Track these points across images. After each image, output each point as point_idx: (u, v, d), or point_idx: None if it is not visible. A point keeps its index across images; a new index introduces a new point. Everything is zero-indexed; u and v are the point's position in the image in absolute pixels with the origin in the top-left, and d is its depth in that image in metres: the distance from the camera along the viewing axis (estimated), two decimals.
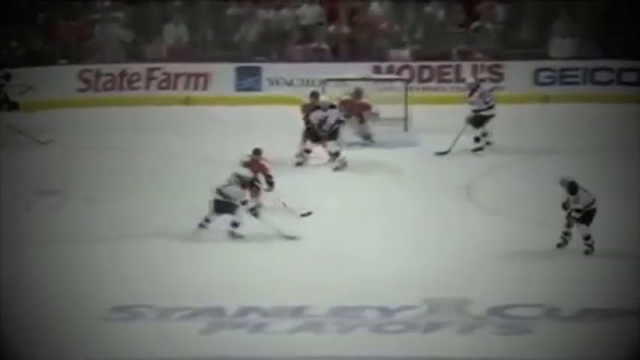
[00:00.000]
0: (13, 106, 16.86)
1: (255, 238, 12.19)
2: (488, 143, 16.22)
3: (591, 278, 10.89)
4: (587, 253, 11.65)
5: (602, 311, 10.01)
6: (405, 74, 19.52)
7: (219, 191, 12.35)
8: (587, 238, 11.64)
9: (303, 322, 9.93)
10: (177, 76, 20.12)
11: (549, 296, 10.30)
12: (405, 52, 20.62)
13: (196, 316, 10.05)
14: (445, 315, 10.03)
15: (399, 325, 9.84)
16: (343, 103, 16.35)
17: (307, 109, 15.80)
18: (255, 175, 12.83)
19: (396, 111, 17.12)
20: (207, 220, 12.40)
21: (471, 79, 17.12)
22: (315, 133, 15.48)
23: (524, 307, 10.11)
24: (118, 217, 13.18)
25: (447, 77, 20.14)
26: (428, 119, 17.08)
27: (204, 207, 12.36)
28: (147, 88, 20.06)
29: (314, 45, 20.71)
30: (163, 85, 20.16)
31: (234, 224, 12.40)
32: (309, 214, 12.94)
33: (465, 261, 11.44)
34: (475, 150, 16.09)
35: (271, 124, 17.80)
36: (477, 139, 16.12)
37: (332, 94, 16.62)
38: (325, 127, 15.40)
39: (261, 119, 18.41)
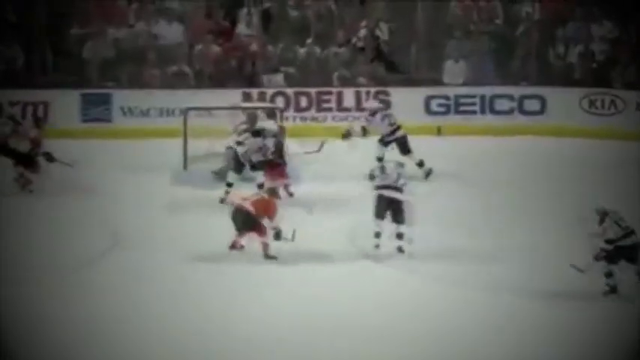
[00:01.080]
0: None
1: None
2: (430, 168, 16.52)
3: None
4: (606, 294, 11.22)
5: None
6: (280, 102, 19.49)
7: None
8: (608, 275, 11.19)
9: None
10: (11, 104, 19.40)
11: None
12: (279, 77, 20.57)
13: None
14: None
15: None
16: None
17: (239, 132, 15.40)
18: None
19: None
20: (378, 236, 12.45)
21: (372, 104, 17.59)
22: (241, 163, 15.07)
23: None
24: None
25: (327, 105, 20.13)
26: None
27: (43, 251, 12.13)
28: None
29: (174, 69, 20.50)
30: None
31: (399, 235, 12.46)
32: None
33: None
34: (427, 175, 16.40)
35: (124, 161, 17.37)
36: (420, 164, 16.42)
37: (195, 125, 16.28)
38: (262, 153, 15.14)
39: (112, 156, 17.88)
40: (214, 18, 21.13)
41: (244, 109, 17.40)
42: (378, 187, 12.63)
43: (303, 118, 19.96)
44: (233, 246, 12.63)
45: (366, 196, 13.15)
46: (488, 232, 13.52)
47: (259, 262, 12.37)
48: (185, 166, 16.38)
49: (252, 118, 15.98)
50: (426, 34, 20.99)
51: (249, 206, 12.51)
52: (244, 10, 21.15)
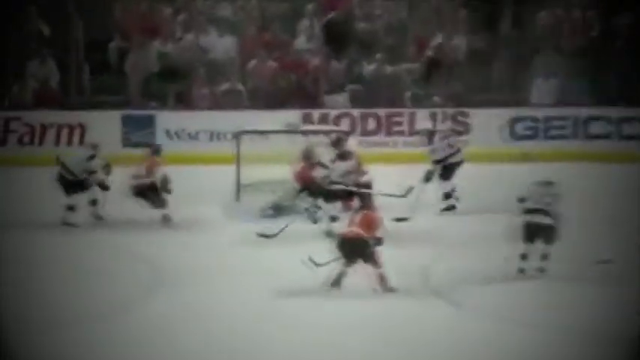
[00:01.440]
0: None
1: None
2: (455, 204, 15.96)
3: None
4: None
5: None
6: (344, 124, 19.33)
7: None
8: None
9: None
10: (45, 127, 19.53)
11: None
12: (344, 97, 20.37)
13: None
14: None
15: None
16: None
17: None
18: None
19: None
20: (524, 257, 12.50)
21: (425, 125, 17.36)
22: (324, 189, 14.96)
23: None
24: None
25: (397, 128, 19.85)
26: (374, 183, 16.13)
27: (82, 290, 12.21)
28: (3, 143, 19.47)
29: (226, 86, 20.21)
30: (25, 139, 19.56)
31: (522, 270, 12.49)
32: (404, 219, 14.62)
33: None
34: (446, 209, 15.80)
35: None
36: (447, 196, 15.85)
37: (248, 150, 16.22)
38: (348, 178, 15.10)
39: None
40: (271, 30, 21.08)
41: (303, 132, 17.51)
42: (526, 212, 12.65)
43: (372, 143, 19.69)
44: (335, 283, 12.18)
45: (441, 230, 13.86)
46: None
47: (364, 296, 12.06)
48: (237, 197, 16.25)
49: (338, 141, 15.91)
50: (511, 48, 20.88)
51: (357, 229, 12.04)
52: (305, 21, 21.10)
